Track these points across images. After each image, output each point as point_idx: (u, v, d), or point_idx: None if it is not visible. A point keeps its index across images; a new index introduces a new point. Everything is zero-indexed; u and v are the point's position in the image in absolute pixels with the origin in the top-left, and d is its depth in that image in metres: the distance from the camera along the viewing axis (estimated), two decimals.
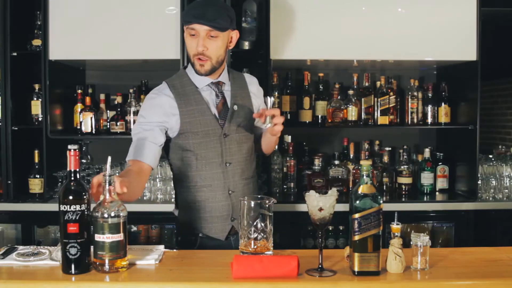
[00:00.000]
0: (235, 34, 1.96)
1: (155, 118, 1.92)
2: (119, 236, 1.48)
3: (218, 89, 2.00)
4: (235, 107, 2.00)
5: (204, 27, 1.84)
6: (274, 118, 1.84)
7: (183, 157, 1.99)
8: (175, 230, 2.08)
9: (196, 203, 1.99)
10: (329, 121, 3.19)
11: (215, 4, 1.88)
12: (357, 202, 1.49)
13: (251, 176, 2.07)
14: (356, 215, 1.48)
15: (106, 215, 1.47)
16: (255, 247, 1.62)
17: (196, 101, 1.96)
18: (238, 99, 2.03)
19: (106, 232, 1.47)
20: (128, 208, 3.03)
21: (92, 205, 1.52)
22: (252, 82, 2.13)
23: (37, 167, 3.06)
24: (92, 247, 1.50)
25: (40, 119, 3.07)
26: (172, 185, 3.03)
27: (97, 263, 1.50)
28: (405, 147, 3.33)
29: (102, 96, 3.24)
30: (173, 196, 3.01)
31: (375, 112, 3.19)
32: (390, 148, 3.39)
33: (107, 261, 1.48)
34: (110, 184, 1.49)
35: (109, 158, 1.59)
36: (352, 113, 3.17)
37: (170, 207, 2.93)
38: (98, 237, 1.47)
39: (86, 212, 1.50)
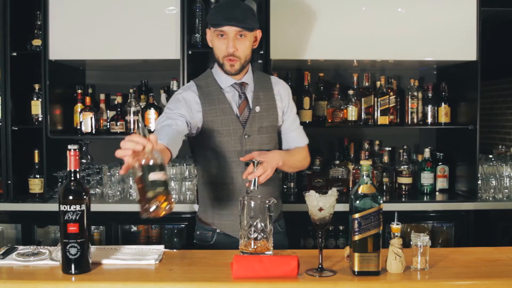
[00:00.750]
0: (258, 33, 2.01)
1: (181, 111, 1.93)
2: (165, 175, 1.43)
3: (241, 89, 2.02)
4: (257, 109, 2.01)
5: (234, 28, 1.88)
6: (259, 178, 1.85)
7: (205, 154, 2.03)
8: (195, 225, 2.17)
9: (214, 200, 2.04)
10: (329, 121, 3.19)
11: (240, 5, 1.93)
12: (357, 202, 1.49)
13: (271, 178, 1.99)
14: (356, 215, 1.48)
15: (155, 155, 1.41)
16: (255, 247, 1.62)
17: (219, 100, 1.99)
18: (261, 100, 2.03)
19: (157, 169, 1.40)
20: (128, 208, 3.06)
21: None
22: (277, 83, 2.13)
23: (37, 167, 3.06)
24: (141, 192, 1.39)
25: (40, 119, 3.07)
26: (172, 185, 3.04)
27: (149, 203, 1.37)
28: (405, 147, 3.33)
29: (102, 96, 3.24)
30: (173, 196, 3.02)
31: (375, 112, 3.19)
32: (390, 148, 3.40)
33: (158, 196, 1.38)
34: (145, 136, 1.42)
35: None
36: (352, 113, 3.17)
37: None
38: (152, 176, 1.38)
39: (86, 212, 1.50)
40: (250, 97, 2.02)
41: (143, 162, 1.40)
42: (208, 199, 2.06)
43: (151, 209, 1.38)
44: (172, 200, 1.42)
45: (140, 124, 1.43)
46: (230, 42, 1.90)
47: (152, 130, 1.38)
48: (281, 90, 2.12)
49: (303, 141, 2.17)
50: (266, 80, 2.11)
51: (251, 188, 1.83)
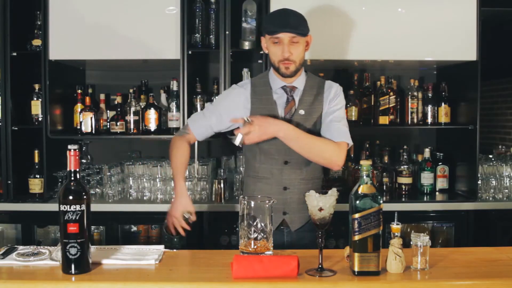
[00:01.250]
0: (310, 38, 2.08)
1: (223, 103, 2.15)
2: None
3: (290, 93, 2.10)
4: (301, 112, 2.07)
5: (288, 34, 1.98)
6: (245, 134, 1.91)
7: (250, 148, 2.13)
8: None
9: (254, 192, 2.12)
10: None
11: (292, 13, 2.03)
12: (357, 202, 1.49)
13: (312, 178, 2.12)
14: (356, 215, 1.48)
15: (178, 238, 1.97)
16: (255, 247, 1.62)
17: (267, 101, 2.10)
18: (307, 104, 2.09)
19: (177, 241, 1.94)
20: (128, 208, 3.06)
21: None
22: (330, 87, 2.14)
23: (37, 167, 3.06)
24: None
25: (40, 119, 3.07)
26: (172, 185, 3.05)
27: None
28: (405, 147, 3.33)
29: (102, 96, 3.24)
30: (173, 196, 3.03)
31: (375, 112, 3.19)
32: (390, 148, 3.39)
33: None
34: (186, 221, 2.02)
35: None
36: (352, 113, 3.17)
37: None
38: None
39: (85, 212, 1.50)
40: (298, 100, 2.09)
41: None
42: (249, 191, 2.16)
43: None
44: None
45: (185, 214, 1.99)
46: (285, 47, 1.99)
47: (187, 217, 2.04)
48: (331, 93, 2.13)
49: (338, 136, 2.04)
50: (319, 84, 2.14)
51: (234, 142, 1.91)
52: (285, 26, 1.97)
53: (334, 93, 2.12)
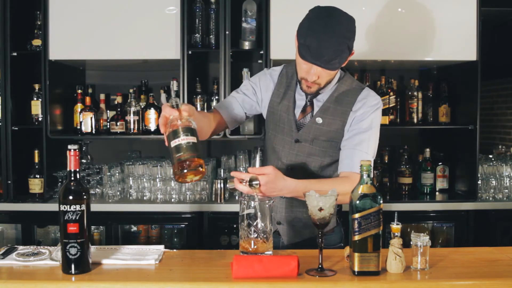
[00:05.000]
0: (350, 55, 1.79)
1: (251, 84, 1.98)
2: (194, 138, 1.45)
3: (308, 97, 1.89)
4: (319, 120, 1.86)
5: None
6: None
7: (267, 136, 2.01)
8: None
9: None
10: None
11: (336, 36, 1.69)
12: (357, 202, 1.49)
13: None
14: (356, 215, 1.48)
15: (179, 122, 1.47)
16: (255, 247, 1.62)
17: (287, 96, 1.93)
18: (328, 113, 1.86)
19: (181, 135, 1.44)
20: (128, 208, 3.05)
21: None
22: (364, 99, 1.86)
23: (37, 167, 3.06)
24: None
25: (40, 119, 3.07)
26: (172, 185, 3.04)
27: (178, 168, 1.42)
28: (405, 147, 3.33)
29: (102, 96, 3.24)
30: (173, 196, 3.03)
31: None
32: (390, 148, 3.39)
33: (187, 159, 1.42)
34: (177, 107, 1.51)
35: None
36: None
37: (170, 207, 2.95)
38: (174, 142, 1.44)
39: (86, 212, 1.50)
40: (318, 106, 1.88)
41: (168, 131, 1.47)
42: None
43: (177, 175, 1.43)
44: (197, 164, 1.43)
45: (172, 95, 1.52)
46: (312, 70, 1.74)
47: (176, 104, 1.52)
48: (362, 108, 1.85)
49: (350, 165, 1.80)
50: (350, 92, 1.88)
51: (228, 186, 1.67)
52: (316, 59, 1.69)
53: (363, 112, 1.84)
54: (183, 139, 1.43)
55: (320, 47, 1.68)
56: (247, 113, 2.00)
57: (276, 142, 1.95)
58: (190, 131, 1.46)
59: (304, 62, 1.74)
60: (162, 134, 1.53)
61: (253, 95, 1.98)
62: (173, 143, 1.44)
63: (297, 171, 1.88)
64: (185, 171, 1.42)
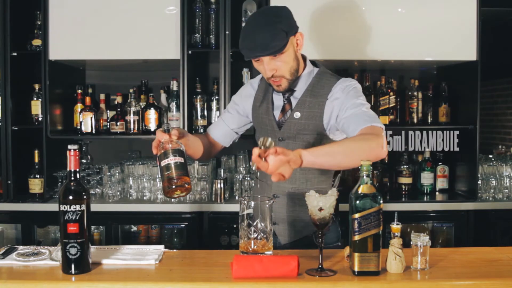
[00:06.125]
0: (299, 36, 1.83)
1: (237, 102, 2.09)
2: (181, 159, 1.61)
3: (285, 96, 1.93)
4: (297, 115, 1.88)
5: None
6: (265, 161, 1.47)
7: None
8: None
9: (254, 193, 2.10)
10: None
11: (265, 24, 1.74)
12: (357, 202, 1.49)
13: (307, 190, 1.80)
14: (356, 215, 1.48)
15: (169, 145, 1.62)
16: (255, 247, 1.62)
17: (266, 98, 1.99)
18: (305, 107, 1.88)
19: (171, 155, 1.59)
20: (128, 208, 3.05)
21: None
22: (338, 85, 1.87)
23: (37, 167, 3.06)
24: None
25: (40, 119, 3.07)
26: None
27: (167, 185, 1.57)
28: (405, 147, 3.32)
29: (102, 96, 3.24)
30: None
31: (375, 112, 3.18)
32: (390, 148, 3.39)
33: (175, 177, 1.57)
34: (169, 131, 1.68)
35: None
36: None
37: (170, 207, 2.95)
38: (164, 162, 1.59)
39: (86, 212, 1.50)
40: (295, 102, 1.91)
41: (159, 152, 1.64)
42: (254, 193, 2.11)
43: (165, 191, 1.60)
44: (184, 181, 1.58)
45: (165, 121, 1.68)
46: (266, 66, 1.78)
47: (167, 128, 1.71)
48: (336, 92, 1.86)
49: (368, 120, 1.73)
50: (325, 84, 1.89)
51: (252, 167, 1.53)
52: (253, 49, 1.74)
53: (341, 90, 1.85)
54: (171, 159, 1.59)
55: (254, 39, 1.74)
56: (235, 130, 2.10)
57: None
58: (179, 152, 1.61)
59: (256, 63, 1.82)
60: None
61: (236, 111, 2.09)
62: (163, 163, 1.59)
63: None
64: (173, 187, 1.57)
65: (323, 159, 1.59)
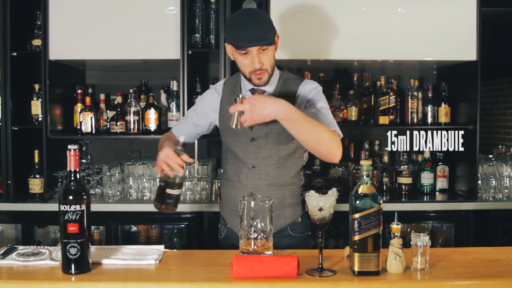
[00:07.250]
0: (277, 38, 1.94)
1: (200, 107, 2.15)
2: (180, 191, 1.88)
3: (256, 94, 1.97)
4: None
5: (257, 46, 1.84)
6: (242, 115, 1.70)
7: (224, 150, 2.12)
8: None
9: (225, 195, 2.12)
10: None
11: (257, 18, 1.87)
12: (357, 202, 1.49)
13: (281, 185, 1.99)
14: (356, 215, 1.48)
15: (177, 179, 1.84)
16: (255, 247, 1.62)
17: (233, 102, 1.96)
18: None
19: (176, 188, 1.84)
20: (128, 208, 3.05)
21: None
22: (304, 85, 2.00)
23: (37, 167, 3.06)
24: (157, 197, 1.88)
25: (40, 119, 3.07)
26: None
27: (158, 204, 1.86)
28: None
29: (102, 96, 3.24)
30: None
31: (375, 112, 3.19)
32: (390, 148, 3.39)
33: (168, 207, 1.86)
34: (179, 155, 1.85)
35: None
36: (352, 113, 3.17)
37: None
38: (168, 190, 1.84)
39: (85, 212, 1.50)
40: None
41: (169, 177, 1.84)
42: (222, 194, 2.16)
43: (155, 205, 1.90)
44: (175, 210, 1.90)
45: (177, 148, 1.86)
46: (255, 59, 1.85)
47: (181, 148, 1.88)
48: (303, 92, 1.98)
49: (327, 123, 1.86)
50: (293, 84, 2.01)
51: (232, 124, 1.74)
52: (252, 40, 1.81)
53: (308, 91, 1.97)
54: (175, 191, 1.86)
55: (250, 29, 1.82)
56: (196, 133, 2.18)
57: (234, 145, 2.02)
58: (180, 185, 1.88)
59: (244, 56, 1.86)
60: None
61: (196, 115, 2.15)
62: (168, 190, 1.85)
63: (258, 168, 1.98)
64: (162, 208, 1.87)
65: (302, 119, 1.72)
